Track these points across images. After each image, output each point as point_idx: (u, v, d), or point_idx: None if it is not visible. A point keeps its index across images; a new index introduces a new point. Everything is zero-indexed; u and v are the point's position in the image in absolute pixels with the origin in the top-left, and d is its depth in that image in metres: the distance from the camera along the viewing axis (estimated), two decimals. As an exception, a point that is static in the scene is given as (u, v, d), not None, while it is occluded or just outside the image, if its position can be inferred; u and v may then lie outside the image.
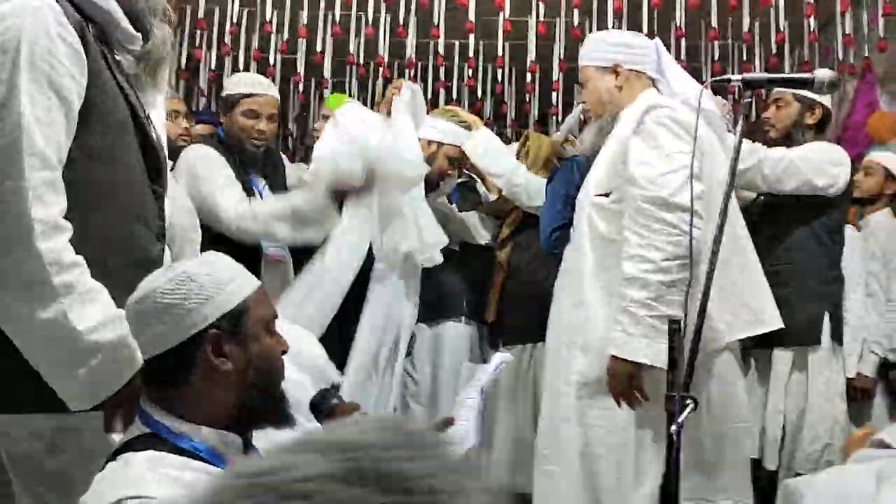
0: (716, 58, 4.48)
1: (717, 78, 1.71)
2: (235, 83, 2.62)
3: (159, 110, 1.66)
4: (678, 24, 4.04)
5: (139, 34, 1.43)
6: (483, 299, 3.09)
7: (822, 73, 1.65)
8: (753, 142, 2.80)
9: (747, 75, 1.67)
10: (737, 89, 3.65)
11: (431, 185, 2.88)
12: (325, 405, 1.25)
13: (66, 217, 1.27)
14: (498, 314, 3.06)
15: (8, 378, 1.27)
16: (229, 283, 1.20)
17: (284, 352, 1.27)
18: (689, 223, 1.91)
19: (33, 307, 1.22)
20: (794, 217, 2.82)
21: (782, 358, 2.82)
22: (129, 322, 1.20)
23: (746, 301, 2.15)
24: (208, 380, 1.17)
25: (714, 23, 4.02)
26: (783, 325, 2.26)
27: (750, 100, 1.70)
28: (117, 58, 1.44)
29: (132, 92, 1.44)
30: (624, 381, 1.99)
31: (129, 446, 1.15)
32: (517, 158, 3.02)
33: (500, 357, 1.50)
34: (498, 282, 3.07)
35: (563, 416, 2.17)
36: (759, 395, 2.87)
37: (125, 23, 1.41)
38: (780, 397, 2.81)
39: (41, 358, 1.25)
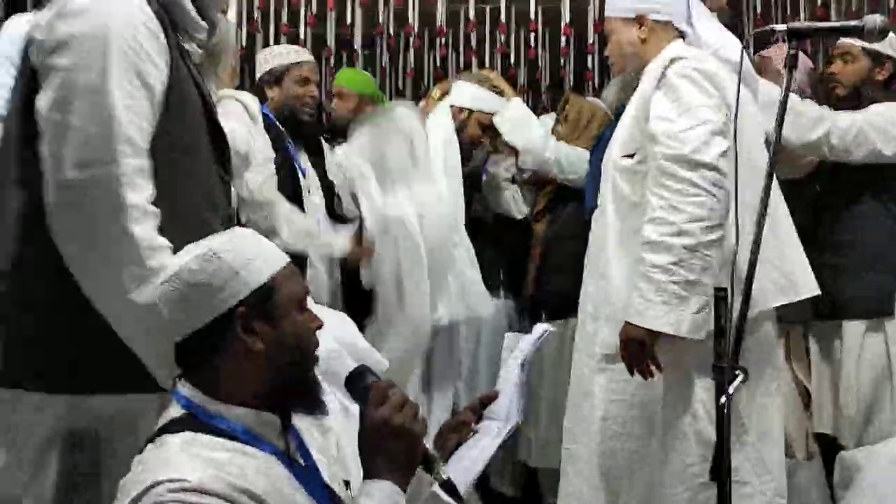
0: (758, 10, 4.30)
1: (760, 29, 1.61)
2: (277, 55, 2.60)
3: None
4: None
5: (206, 24, 1.46)
6: (520, 273, 3.04)
7: (872, 19, 1.53)
8: (818, 98, 2.68)
9: (792, 24, 1.57)
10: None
11: (464, 152, 2.83)
12: (360, 383, 1.21)
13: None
14: (537, 288, 3.00)
15: (107, 359, 1.31)
16: (256, 259, 1.17)
17: (319, 327, 1.25)
18: (716, 183, 1.83)
19: (129, 289, 1.27)
20: (861, 185, 2.69)
21: (853, 330, 2.69)
22: (161, 302, 1.19)
23: (779, 266, 2.04)
24: (240, 358, 1.15)
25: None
26: (819, 293, 2.14)
27: (795, 51, 1.60)
28: (186, 47, 1.47)
29: (202, 81, 1.48)
30: (636, 349, 1.92)
31: (165, 429, 1.14)
32: (556, 122, 2.95)
33: (543, 327, 1.44)
34: (536, 255, 3.01)
35: (585, 390, 2.12)
36: (827, 373, 2.77)
37: (194, 13, 1.44)
38: (852, 372, 2.68)
39: (136, 338, 1.31)
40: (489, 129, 2.88)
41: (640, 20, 2.11)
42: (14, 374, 1.34)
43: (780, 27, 1.59)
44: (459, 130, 2.78)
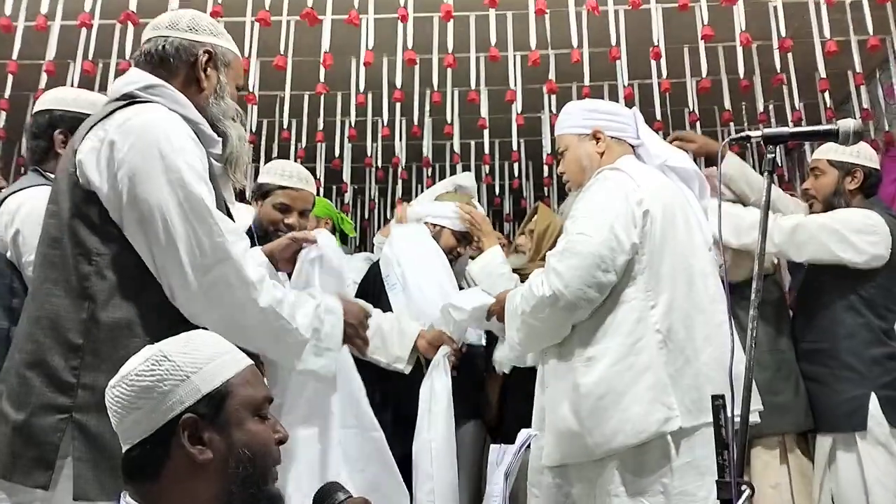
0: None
1: (737, 136, 1.62)
2: (273, 172, 2.61)
3: None
4: (691, 109, 4.03)
5: (219, 138, 1.53)
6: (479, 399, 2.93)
7: (846, 123, 1.56)
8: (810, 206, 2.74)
9: (767, 130, 1.59)
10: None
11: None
12: (329, 500, 1.10)
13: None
14: (499, 412, 2.90)
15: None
16: (208, 362, 1.10)
17: (281, 440, 1.14)
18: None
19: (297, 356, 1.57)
20: (831, 290, 2.65)
21: (822, 444, 2.60)
22: (109, 408, 1.09)
23: (700, 384, 1.90)
24: (187, 471, 1.05)
25: (727, 105, 4.00)
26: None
27: (773, 156, 1.60)
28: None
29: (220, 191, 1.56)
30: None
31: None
32: (521, 234, 2.96)
33: (527, 433, 1.35)
34: (497, 381, 2.91)
35: None
36: (802, 485, 2.64)
37: (209, 129, 1.51)
38: (818, 488, 2.56)
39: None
40: (463, 240, 2.88)
41: (595, 135, 2.17)
42: None
43: (756, 133, 1.61)
44: (435, 240, 2.80)
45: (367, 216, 5.77)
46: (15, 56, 3.67)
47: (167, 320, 1.38)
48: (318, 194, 5.16)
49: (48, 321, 1.34)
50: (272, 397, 1.16)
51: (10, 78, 3.79)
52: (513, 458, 1.28)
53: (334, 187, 5.39)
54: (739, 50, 3.49)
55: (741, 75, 3.59)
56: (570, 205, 2.21)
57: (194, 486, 1.06)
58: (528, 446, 1.31)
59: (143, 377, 1.07)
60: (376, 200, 5.50)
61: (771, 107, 4.29)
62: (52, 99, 2.20)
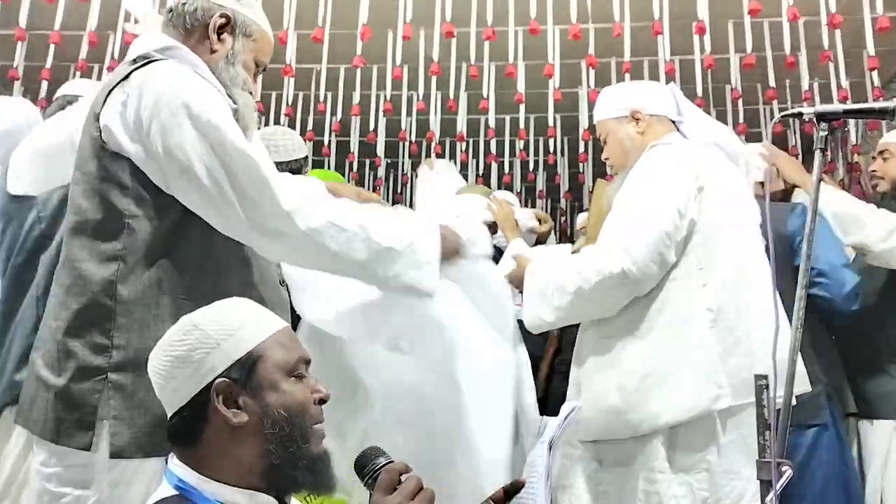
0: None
1: (789, 112, 1.57)
2: (300, 148, 2.62)
3: None
4: (734, 86, 3.95)
5: (233, 104, 1.49)
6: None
7: (900, 100, 1.50)
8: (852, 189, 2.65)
9: (820, 107, 1.52)
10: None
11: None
12: (369, 465, 1.11)
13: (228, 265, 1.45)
14: (546, 387, 2.91)
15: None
16: (238, 328, 1.11)
17: (322, 399, 1.15)
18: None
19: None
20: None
21: (882, 430, 2.55)
22: (151, 378, 1.12)
23: (750, 364, 1.84)
24: (225, 435, 1.07)
25: (771, 82, 3.91)
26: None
27: (825, 133, 1.56)
28: None
29: None
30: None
31: (155, 510, 1.04)
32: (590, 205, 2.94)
33: (571, 405, 1.34)
34: (548, 355, 2.93)
35: (564, 483, 2.00)
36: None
37: (222, 90, 1.48)
38: (878, 473, 2.53)
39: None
40: (490, 229, 2.88)
41: (634, 116, 2.13)
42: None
43: (808, 110, 1.56)
44: None
45: (399, 190, 5.78)
46: (57, 27, 3.71)
47: (196, 278, 1.39)
48: (351, 168, 5.22)
49: (79, 287, 1.36)
50: (309, 358, 1.17)
51: (52, 48, 3.84)
52: (557, 429, 1.28)
53: (367, 161, 5.40)
54: (786, 25, 3.41)
55: (787, 51, 3.50)
56: (613, 188, 2.17)
57: (234, 449, 1.07)
58: (569, 417, 1.31)
59: (176, 347, 1.09)
60: (409, 174, 5.50)
61: (816, 85, 4.18)
62: (71, 86, 2.27)
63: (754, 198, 2.09)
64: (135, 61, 1.44)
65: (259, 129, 1.84)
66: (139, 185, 1.38)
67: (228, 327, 1.10)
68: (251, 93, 1.56)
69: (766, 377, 1.46)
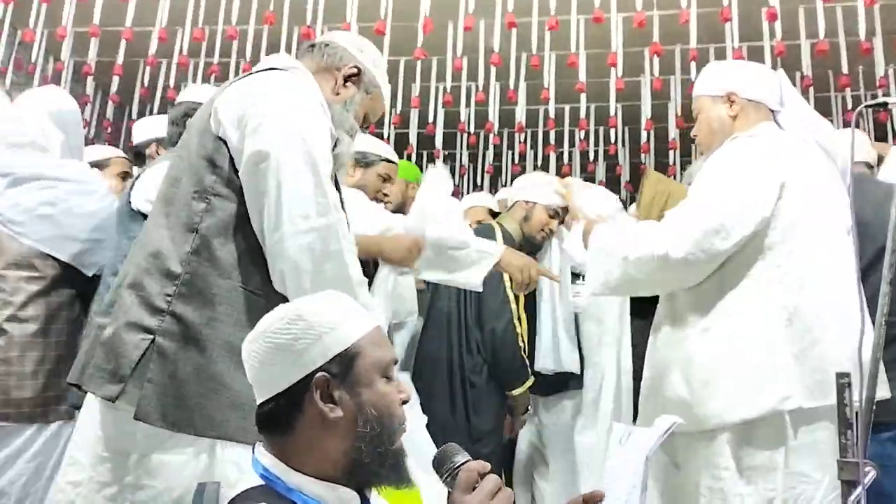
0: (848, 108, 4.21)
1: (874, 101, 1.52)
2: (377, 146, 2.67)
3: None
4: (804, 73, 3.82)
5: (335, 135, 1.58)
6: None
7: None
8: None
9: (907, 96, 1.48)
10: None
11: (535, 243, 2.81)
12: (449, 463, 1.12)
13: None
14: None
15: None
16: (341, 323, 1.12)
17: (405, 400, 1.17)
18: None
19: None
20: None
21: None
22: (246, 363, 1.15)
23: (826, 366, 1.77)
24: (318, 428, 1.08)
25: (844, 69, 3.77)
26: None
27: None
28: None
29: None
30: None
31: (241, 498, 1.07)
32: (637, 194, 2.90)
33: (669, 421, 1.29)
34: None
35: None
36: None
37: (329, 120, 1.56)
38: None
39: None
40: (556, 217, 2.85)
41: (729, 97, 2.06)
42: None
43: (894, 99, 1.51)
44: (526, 219, 2.80)
45: (457, 182, 5.78)
46: (128, 23, 3.83)
47: (254, 268, 1.42)
48: (410, 160, 5.24)
49: (154, 248, 1.41)
50: (397, 359, 1.18)
51: (123, 44, 3.96)
52: (657, 443, 1.23)
53: (425, 153, 5.42)
54: (861, 10, 3.27)
55: (862, 37, 3.37)
56: (696, 168, 2.12)
57: (324, 442, 1.07)
58: (667, 432, 1.27)
59: (279, 335, 1.09)
60: (467, 166, 5.50)
61: (891, 71, 4.01)
62: (189, 93, 2.39)
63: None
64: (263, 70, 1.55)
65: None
66: (231, 168, 1.44)
67: (331, 321, 1.11)
68: (353, 139, 1.66)
69: (848, 375, 1.41)
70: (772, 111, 2.05)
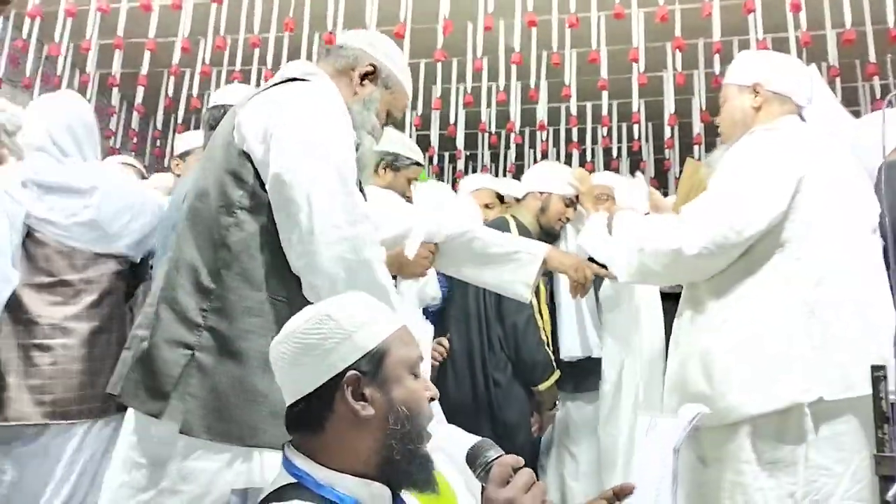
0: (876, 97, 4.13)
1: (903, 89, 1.49)
2: (410, 148, 2.68)
3: None
4: (831, 63, 3.76)
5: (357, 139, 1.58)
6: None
7: None
8: None
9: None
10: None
11: (553, 234, 2.81)
12: (482, 458, 1.11)
13: None
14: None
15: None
16: (369, 322, 1.13)
17: (433, 398, 1.18)
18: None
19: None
20: None
21: None
22: (274, 364, 1.15)
23: (848, 359, 1.75)
24: (349, 425, 1.09)
25: (871, 58, 3.70)
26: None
27: (947, 110, 1.46)
28: None
29: None
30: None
31: (273, 497, 1.08)
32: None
33: (693, 410, 1.28)
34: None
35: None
36: None
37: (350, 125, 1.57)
38: None
39: None
40: (571, 206, 2.85)
41: (755, 88, 2.03)
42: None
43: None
44: (543, 210, 2.80)
45: (479, 182, 5.77)
46: (152, 34, 3.88)
47: (285, 280, 1.43)
48: (431, 162, 5.25)
49: (187, 265, 1.42)
50: (423, 356, 1.18)
51: (147, 55, 4.01)
52: (682, 433, 1.22)
53: (447, 154, 5.42)
54: (889, -4, 3.22)
55: (890, 24, 3.31)
56: (716, 158, 2.10)
57: (355, 440, 1.08)
58: (693, 423, 1.25)
59: (308, 335, 1.10)
60: (489, 166, 5.49)
61: (921, 58, 3.94)
62: (224, 95, 2.40)
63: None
64: (283, 80, 1.55)
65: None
66: (257, 182, 1.44)
67: (360, 320, 1.12)
68: (376, 139, 1.66)
69: (883, 368, 1.39)
70: (798, 105, 2.03)
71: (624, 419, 2.71)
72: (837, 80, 3.83)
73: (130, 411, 1.46)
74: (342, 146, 1.45)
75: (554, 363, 2.62)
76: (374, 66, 1.65)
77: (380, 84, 1.66)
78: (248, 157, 1.46)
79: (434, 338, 2.70)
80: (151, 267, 2.27)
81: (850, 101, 4.32)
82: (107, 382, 1.57)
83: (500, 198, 3.18)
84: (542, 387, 2.59)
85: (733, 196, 1.83)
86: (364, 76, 1.64)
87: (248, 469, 1.37)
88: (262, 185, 1.44)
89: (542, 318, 2.65)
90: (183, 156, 2.82)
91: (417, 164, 2.56)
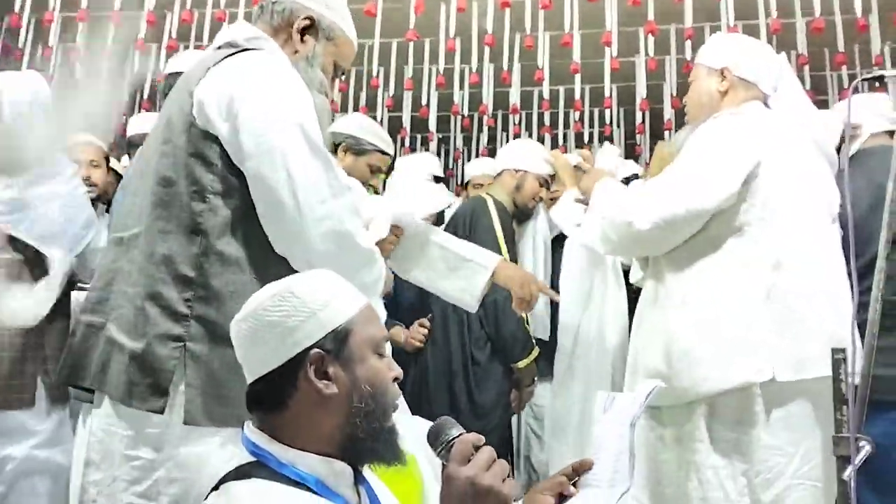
0: (844, 86, 4.18)
1: (870, 75, 1.50)
2: (373, 133, 2.62)
3: None
4: (800, 52, 3.79)
5: None
6: None
7: None
8: None
9: (905, 68, 1.46)
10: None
11: (527, 212, 2.81)
12: (443, 436, 1.11)
13: None
14: None
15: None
16: (333, 300, 1.10)
17: (397, 378, 1.16)
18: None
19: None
20: None
21: None
22: (235, 341, 1.13)
23: (805, 340, 1.79)
24: (312, 404, 1.07)
25: (840, 47, 3.74)
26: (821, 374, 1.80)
27: (911, 96, 1.48)
28: None
29: None
30: None
31: (232, 475, 1.06)
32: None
33: (650, 384, 1.29)
34: None
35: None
36: None
37: None
38: None
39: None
40: (546, 185, 2.85)
41: (723, 72, 2.05)
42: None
43: (892, 73, 1.49)
44: (518, 188, 2.80)
45: (451, 165, 5.75)
46: (117, 7, 3.78)
47: (274, 258, 1.41)
48: (403, 144, 5.21)
49: (162, 256, 1.38)
50: (389, 336, 1.17)
51: (111, 28, 3.91)
52: (640, 408, 1.23)
53: (419, 136, 5.39)
54: (857, -14, 3.25)
55: (858, 14, 3.34)
56: (682, 138, 2.12)
57: (319, 419, 1.06)
58: (650, 397, 1.26)
59: (270, 312, 1.07)
60: (461, 150, 5.47)
61: (887, 49, 3.99)
62: (181, 62, 2.33)
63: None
64: (225, 46, 1.50)
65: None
66: (225, 163, 1.40)
67: (324, 297, 1.10)
68: (327, 95, 1.59)
69: (843, 350, 1.40)
70: (764, 93, 2.05)
71: (577, 393, 2.73)
72: (806, 68, 3.88)
73: (107, 408, 1.41)
74: (311, 116, 1.42)
75: (533, 340, 2.66)
76: (311, 18, 1.56)
77: (321, 37, 1.57)
78: (213, 137, 1.41)
79: (416, 319, 2.72)
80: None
81: (819, 89, 4.37)
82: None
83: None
84: (522, 364, 2.62)
85: (689, 176, 1.87)
86: (303, 31, 1.55)
87: (242, 450, 1.35)
88: (231, 165, 1.40)
89: None
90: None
91: (382, 152, 2.52)
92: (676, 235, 1.88)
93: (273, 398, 1.08)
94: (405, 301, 2.77)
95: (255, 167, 1.38)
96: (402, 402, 2.16)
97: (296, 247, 1.41)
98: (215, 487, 1.06)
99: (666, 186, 1.88)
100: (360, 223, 1.47)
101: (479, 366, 2.59)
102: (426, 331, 2.65)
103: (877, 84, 1.70)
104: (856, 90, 1.76)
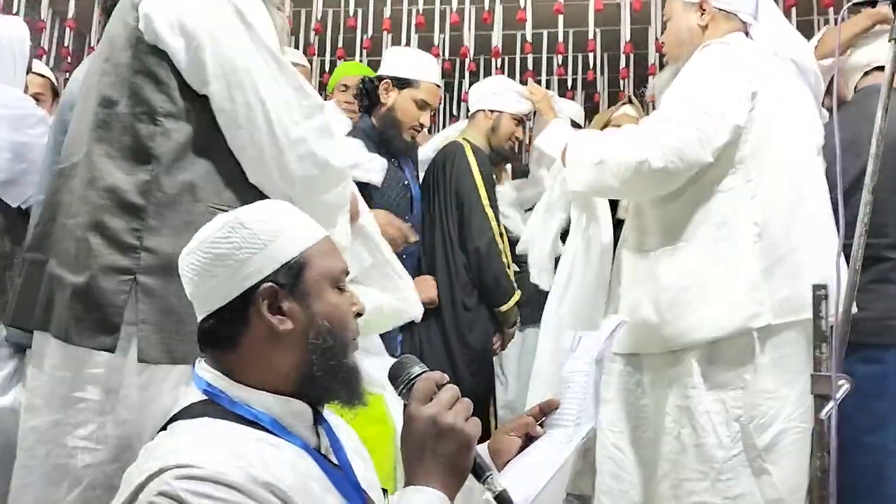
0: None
1: (860, 0, 1.43)
2: (422, 66, 2.49)
3: None
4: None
5: None
6: None
7: None
8: None
9: (898, -7, 1.39)
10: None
11: (503, 154, 2.77)
12: (404, 374, 1.06)
13: None
14: None
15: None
16: (286, 231, 1.04)
17: (359, 313, 1.11)
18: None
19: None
20: None
21: None
22: (183, 276, 1.07)
23: (793, 282, 1.76)
24: (266, 341, 1.01)
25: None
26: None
27: (902, 23, 1.41)
28: None
29: None
30: None
31: (182, 414, 1.01)
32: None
33: (615, 320, 1.26)
34: None
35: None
36: None
37: None
38: None
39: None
40: (521, 124, 2.81)
41: (701, 6, 1.97)
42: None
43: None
44: (494, 130, 2.74)
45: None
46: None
47: (232, 186, 1.33)
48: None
49: (105, 183, 1.29)
50: (349, 269, 1.11)
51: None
52: (603, 345, 1.20)
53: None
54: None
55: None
56: (664, 79, 2.03)
57: (273, 356, 1.02)
58: (614, 333, 1.23)
59: (219, 244, 1.02)
60: (442, 94, 5.34)
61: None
62: None
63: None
64: None
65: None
66: (176, 81, 1.31)
67: (276, 229, 1.03)
68: (282, 11, 1.50)
69: (824, 287, 1.36)
70: (744, 22, 1.97)
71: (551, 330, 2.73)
72: (793, 10, 3.78)
73: (52, 350, 1.32)
74: (270, 33, 1.33)
75: (515, 284, 2.69)
76: None
77: None
78: (162, 53, 1.31)
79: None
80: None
81: (806, 34, 4.28)
82: None
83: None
84: (505, 307, 2.65)
85: (695, 107, 1.77)
86: None
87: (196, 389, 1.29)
88: (185, 84, 1.31)
89: (502, 241, 2.70)
90: None
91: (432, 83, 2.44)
92: (690, 171, 1.79)
93: (225, 335, 1.02)
94: None
95: (221, 90, 1.29)
96: (377, 343, 2.15)
97: (274, 172, 1.33)
98: (164, 427, 1.00)
99: (674, 120, 1.78)
100: (334, 143, 1.40)
101: (469, 311, 2.64)
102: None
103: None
104: (844, 18, 1.69)
